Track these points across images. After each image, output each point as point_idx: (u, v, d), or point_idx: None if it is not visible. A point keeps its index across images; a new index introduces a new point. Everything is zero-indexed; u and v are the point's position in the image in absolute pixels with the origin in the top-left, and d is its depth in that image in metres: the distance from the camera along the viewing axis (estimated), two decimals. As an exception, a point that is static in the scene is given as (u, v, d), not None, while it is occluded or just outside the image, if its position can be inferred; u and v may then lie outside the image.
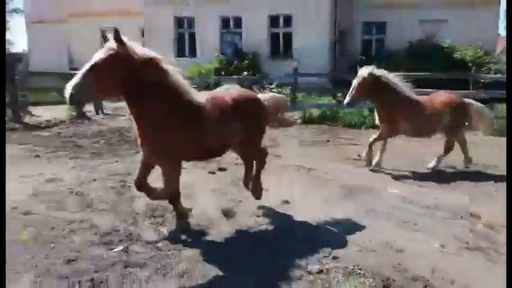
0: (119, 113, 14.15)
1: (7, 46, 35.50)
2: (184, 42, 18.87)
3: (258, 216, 4.09)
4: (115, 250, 3.19)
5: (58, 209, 4.14)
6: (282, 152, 7.47)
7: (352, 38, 18.76)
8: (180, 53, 18.60)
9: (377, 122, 6.47)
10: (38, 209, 4.09)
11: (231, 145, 3.91)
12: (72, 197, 4.56)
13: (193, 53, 18.42)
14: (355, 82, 6.10)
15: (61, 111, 12.70)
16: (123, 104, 12.83)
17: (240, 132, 3.78)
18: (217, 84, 12.39)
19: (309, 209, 4.40)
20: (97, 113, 13.75)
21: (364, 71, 6.06)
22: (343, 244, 3.45)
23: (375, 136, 6.29)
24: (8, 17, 35.95)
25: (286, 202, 4.55)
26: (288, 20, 17.35)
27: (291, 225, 3.85)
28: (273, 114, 4.41)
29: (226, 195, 4.80)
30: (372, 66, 6.15)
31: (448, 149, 6.26)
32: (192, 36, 18.57)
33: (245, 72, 15.45)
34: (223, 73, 15.77)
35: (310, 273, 2.94)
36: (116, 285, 2.70)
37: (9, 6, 37.06)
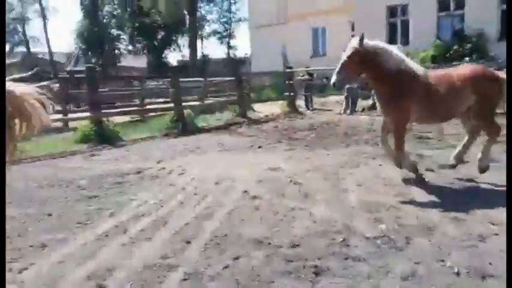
0: (325, 108, 14.66)
1: (232, 52, 41.30)
2: (396, 30, 18.02)
3: (493, 224, 3.46)
4: (335, 240, 3.20)
5: (279, 196, 4.47)
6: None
7: None
8: (391, 42, 17.87)
9: (379, 110, 4.89)
10: (263, 194, 4.50)
11: None
12: (291, 185, 4.86)
13: (405, 41, 17.40)
14: (343, 56, 4.57)
15: (276, 107, 13.95)
16: (329, 98, 13.17)
17: None
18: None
19: None
20: (307, 108, 14.56)
21: (355, 41, 4.53)
22: None
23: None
24: (234, 25, 41.88)
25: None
26: (526, -9, 14.48)
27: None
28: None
29: (451, 197, 4.26)
30: (363, 34, 4.51)
31: (492, 133, 4.74)
32: (405, 24, 17.54)
33: (467, 58, 13.67)
34: (439, 60, 14.36)
35: None
36: (337, 276, 2.69)
37: (236, 15, 43.08)
